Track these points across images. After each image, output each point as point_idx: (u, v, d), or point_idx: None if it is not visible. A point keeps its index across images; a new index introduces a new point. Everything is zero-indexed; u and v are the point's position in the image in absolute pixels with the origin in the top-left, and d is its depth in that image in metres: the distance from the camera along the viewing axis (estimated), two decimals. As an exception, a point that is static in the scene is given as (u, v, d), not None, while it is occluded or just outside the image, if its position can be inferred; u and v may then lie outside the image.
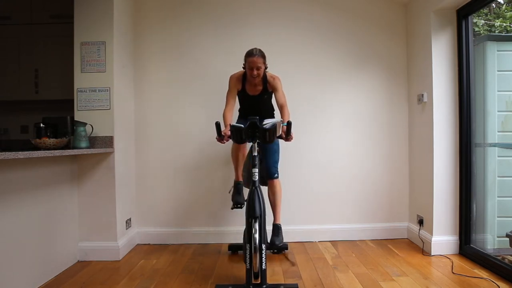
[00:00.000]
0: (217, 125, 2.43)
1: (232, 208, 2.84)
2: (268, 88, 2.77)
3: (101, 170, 2.87)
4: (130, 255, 3.04)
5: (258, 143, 2.47)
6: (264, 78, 2.71)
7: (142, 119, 3.36)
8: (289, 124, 2.45)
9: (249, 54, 2.60)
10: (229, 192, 2.95)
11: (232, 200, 2.84)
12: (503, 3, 5.74)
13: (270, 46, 3.23)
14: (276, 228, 2.75)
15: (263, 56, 2.62)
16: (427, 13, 2.98)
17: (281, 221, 2.80)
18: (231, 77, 2.77)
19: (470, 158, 2.86)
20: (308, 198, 3.38)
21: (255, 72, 2.60)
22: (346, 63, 3.40)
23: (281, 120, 2.59)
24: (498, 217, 3.00)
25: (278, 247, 2.80)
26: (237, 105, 2.91)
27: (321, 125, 3.40)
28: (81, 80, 2.89)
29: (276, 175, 2.79)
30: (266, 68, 2.68)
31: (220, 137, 2.48)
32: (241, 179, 2.85)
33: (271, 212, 2.82)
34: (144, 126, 3.37)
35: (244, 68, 2.69)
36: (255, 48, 2.62)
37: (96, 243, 2.88)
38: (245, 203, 2.46)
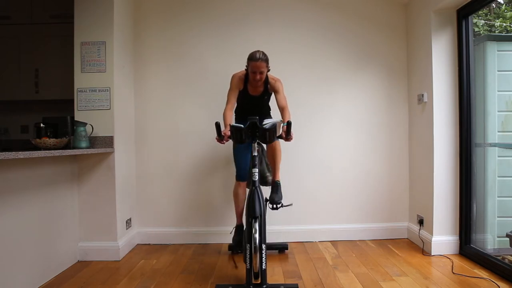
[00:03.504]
0: (217, 125, 2.43)
1: (231, 232, 2.90)
2: (269, 90, 2.76)
3: (101, 170, 2.87)
4: (130, 255, 3.04)
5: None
6: (266, 80, 2.71)
7: (142, 119, 3.36)
8: (289, 124, 2.45)
9: (252, 58, 2.57)
10: (230, 233, 2.95)
11: (233, 241, 2.87)
12: (503, 3, 5.74)
13: (270, 46, 3.23)
14: (276, 185, 2.75)
15: (266, 60, 2.59)
16: (427, 13, 2.98)
17: (280, 177, 2.79)
18: (233, 76, 2.75)
19: (470, 158, 2.86)
20: (308, 198, 3.38)
21: (258, 76, 2.59)
22: (346, 63, 3.40)
23: (281, 120, 2.59)
24: (498, 217, 3.00)
25: (277, 203, 2.73)
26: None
27: (321, 125, 3.40)
28: (81, 80, 2.89)
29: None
30: (268, 70, 2.67)
31: (220, 138, 2.48)
32: (242, 222, 2.83)
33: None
34: (144, 126, 3.37)
35: (247, 69, 2.68)
36: (259, 52, 2.59)
37: (96, 243, 2.88)
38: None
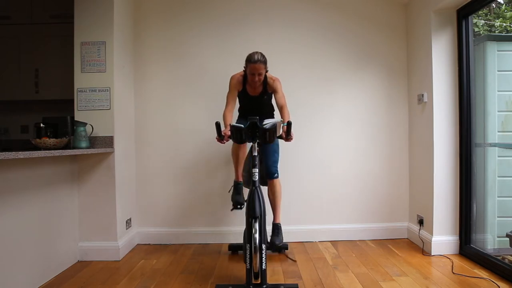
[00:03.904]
0: (217, 125, 2.43)
1: (232, 209, 2.82)
2: (268, 90, 2.76)
3: (101, 170, 2.87)
4: (130, 255, 3.04)
5: (258, 143, 2.47)
6: (264, 80, 2.70)
7: (142, 119, 3.36)
8: (289, 124, 2.45)
9: (251, 60, 2.55)
10: (229, 192, 2.94)
11: (232, 200, 2.82)
12: (503, 3, 5.74)
13: (270, 46, 3.24)
14: (276, 228, 2.75)
15: (264, 62, 2.58)
16: (427, 13, 2.98)
17: (281, 220, 2.80)
18: (232, 78, 2.76)
19: (470, 158, 2.86)
20: (308, 198, 3.38)
21: (256, 78, 2.59)
22: (346, 63, 3.40)
23: (281, 120, 2.59)
24: (498, 217, 3.00)
25: (278, 247, 2.79)
26: (237, 105, 2.90)
27: (321, 126, 3.39)
28: (81, 80, 2.89)
29: (276, 175, 2.78)
30: (266, 71, 2.67)
31: (220, 137, 2.48)
32: (241, 179, 2.83)
33: (271, 211, 2.82)
34: (144, 126, 3.37)
35: (245, 70, 2.68)
36: (257, 53, 2.57)
37: (96, 243, 2.88)
38: (245, 203, 2.45)
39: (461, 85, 2.89)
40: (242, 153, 2.77)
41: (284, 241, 3.17)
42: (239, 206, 2.77)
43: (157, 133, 3.37)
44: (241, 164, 2.80)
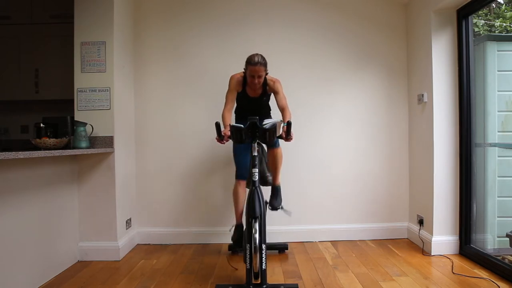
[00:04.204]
0: (217, 125, 2.43)
1: (228, 255, 2.75)
2: (267, 91, 2.76)
3: (101, 170, 2.87)
4: (130, 255, 3.04)
5: (257, 143, 2.47)
6: (264, 81, 2.69)
7: (142, 119, 3.36)
8: (289, 124, 2.45)
9: (251, 62, 2.54)
10: (230, 231, 2.87)
11: (232, 239, 2.76)
12: (503, 3, 5.75)
13: (270, 46, 3.25)
14: (276, 190, 2.79)
15: (265, 64, 2.57)
16: (427, 13, 2.98)
17: (280, 182, 2.86)
18: (231, 78, 2.74)
19: (470, 158, 2.86)
20: (309, 198, 3.38)
21: (256, 80, 2.58)
22: (346, 63, 3.40)
23: (281, 120, 2.59)
24: (498, 217, 3.00)
25: (277, 208, 2.81)
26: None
27: (321, 126, 3.39)
28: (81, 80, 2.89)
29: (277, 143, 2.78)
30: (266, 74, 2.66)
31: (220, 138, 2.48)
32: (241, 221, 2.75)
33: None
34: (144, 126, 3.37)
35: (245, 72, 2.66)
36: (257, 55, 2.56)
37: (96, 243, 2.88)
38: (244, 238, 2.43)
39: (461, 85, 2.89)
40: (242, 195, 2.74)
41: (284, 241, 3.18)
42: (238, 249, 2.73)
43: (157, 133, 3.37)
44: (241, 206, 2.74)
